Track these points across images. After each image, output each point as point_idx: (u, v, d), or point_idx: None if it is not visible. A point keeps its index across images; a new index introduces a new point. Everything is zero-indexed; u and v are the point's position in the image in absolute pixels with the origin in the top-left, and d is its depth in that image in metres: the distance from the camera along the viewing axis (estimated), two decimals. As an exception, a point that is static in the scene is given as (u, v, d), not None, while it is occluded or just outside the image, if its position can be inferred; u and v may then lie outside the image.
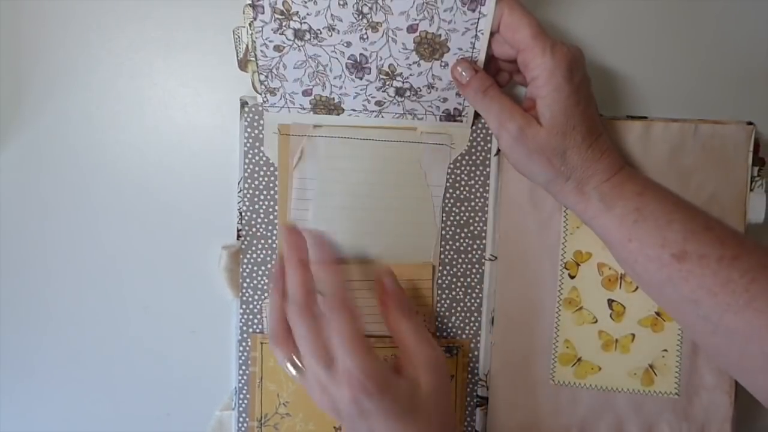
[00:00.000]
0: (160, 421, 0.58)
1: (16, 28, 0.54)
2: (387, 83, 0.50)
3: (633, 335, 0.55)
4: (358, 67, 0.49)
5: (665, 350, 0.55)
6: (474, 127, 0.55)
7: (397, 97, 0.52)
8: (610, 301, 0.55)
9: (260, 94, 0.53)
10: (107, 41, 0.54)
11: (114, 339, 0.57)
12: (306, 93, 0.52)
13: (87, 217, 0.56)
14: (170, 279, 0.57)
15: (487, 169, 0.56)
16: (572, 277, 0.55)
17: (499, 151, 0.55)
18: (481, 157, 0.56)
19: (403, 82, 0.50)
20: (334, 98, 0.52)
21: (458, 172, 0.56)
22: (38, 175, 0.56)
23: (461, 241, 0.57)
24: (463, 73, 0.48)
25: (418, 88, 0.51)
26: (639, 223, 0.44)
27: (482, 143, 0.55)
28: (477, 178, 0.56)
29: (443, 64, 0.49)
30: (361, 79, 0.50)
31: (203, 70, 0.55)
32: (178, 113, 0.56)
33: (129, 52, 0.55)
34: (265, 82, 0.51)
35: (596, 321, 0.56)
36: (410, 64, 0.49)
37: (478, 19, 0.46)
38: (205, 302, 0.57)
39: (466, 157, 0.56)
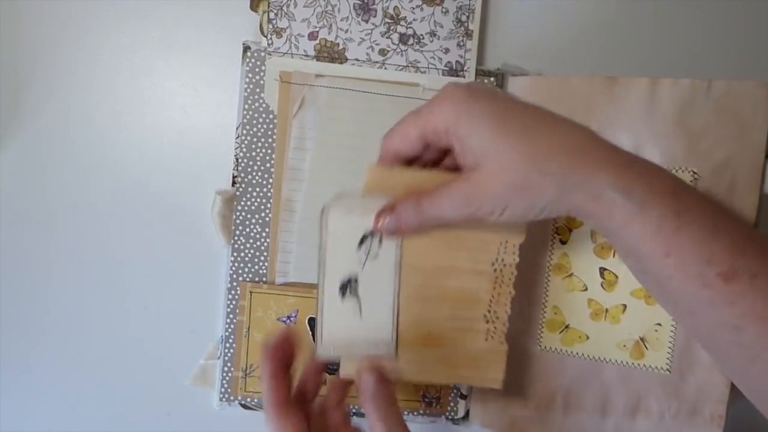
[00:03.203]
0: (160, 421, 0.55)
1: (15, 28, 0.51)
2: (391, 28, 0.47)
3: (624, 306, 0.51)
4: (365, 8, 0.46)
5: (659, 324, 0.51)
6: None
7: (400, 45, 0.49)
8: (602, 270, 0.51)
9: (266, 36, 0.50)
10: (107, 41, 0.52)
11: (114, 338, 0.54)
12: (312, 36, 0.49)
13: (87, 217, 0.53)
14: (170, 278, 0.54)
15: (487, 130, 0.52)
16: (563, 243, 0.51)
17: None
18: (481, 118, 0.52)
19: (406, 28, 0.47)
20: (338, 44, 0.49)
21: (458, 131, 0.52)
22: (38, 175, 0.53)
23: (457, 201, 0.52)
24: (389, 223, 0.38)
25: (421, 35, 0.48)
26: (681, 232, 0.32)
27: (483, 103, 0.52)
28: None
29: (444, 10, 0.46)
30: (366, 21, 0.47)
31: (203, 70, 0.53)
32: (177, 113, 0.53)
33: (129, 51, 0.52)
34: (274, 21, 0.48)
35: (586, 289, 0.51)
36: (413, 8, 0.46)
37: None
38: (205, 301, 0.54)
39: (467, 117, 0.52)
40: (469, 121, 0.34)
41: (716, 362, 0.38)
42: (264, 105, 0.51)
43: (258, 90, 0.51)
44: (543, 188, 0.33)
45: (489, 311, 0.41)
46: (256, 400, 0.54)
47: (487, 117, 0.34)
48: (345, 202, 0.39)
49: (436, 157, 0.40)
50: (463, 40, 0.49)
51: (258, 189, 0.52)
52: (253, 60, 0.51)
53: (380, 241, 0.39)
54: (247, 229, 0.52)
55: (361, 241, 0.39)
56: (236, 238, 0.52)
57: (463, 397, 0.54)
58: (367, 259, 0.39)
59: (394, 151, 0.39)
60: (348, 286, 0.40)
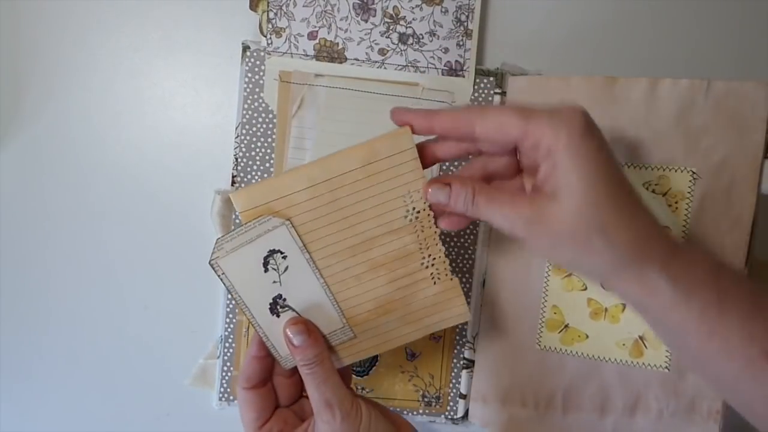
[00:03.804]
0: (160, 421, 0.55)
1: (15, 28, 0.51)
2: (391, 27, 0.47)
3: (624, 305, 0.51)
4: (364, 8, 0.46)
5: (657, 322, 0.50)
6: (476, 86, 0.51)
7: (400, 44, 0.48)
8: (602, 269, 0.51)
9: (266, 36, 0.49)
10: (107, 41, 0.51)
11: (114, 338, 0.54)
12: (311, 36, 0.48)
13: (87, 217, 0.53)
14: (170, 278, 0.53)
15: (486, 130, 0.51)
16: (564, 242, 0.51)
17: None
18: (480, 118, 0.51)
19: (406, 28, 0.47)
20: (338, 43, 0.48)
21: (457, 131, 0.51)
22: (38, 175, 0.52)
23: (456, 201, 0.52)
24: (438, 195, 0.37)
25: (421, 35, 0.48)
26: (724, 315, 0.33)
27: (483, 103, 0.51)
28: (475, 139, 0.52)
29: (443, 9, 0.45)
30: (366, 21, 0.47)
31: (203, 70, 0.52)
32: (177, 113, 0.52)
33: (128, 51, 0.52)
34: (273, 20, 0.48)
35: (585, 288, 0.51)
36: (413, 8, 0.46)
37: None
38: (205, 301, 0.53)
39: (466, 117, 0.51)
40: (577, 155, 0.32)
41: (754, 424, 0.38)
42: (263, 105, 0.51)
43: (257, 90, 0.51)
44: (601, 252, 0.33)
45: (424, 258, 0.40)
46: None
47: (593, 164, 0.32)
48: (226, 244, 0.38)
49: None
50: (462, 40, 0.49)
51: (258, 189, 0.52)
52: (252, 60, 0.50)
53: (283, 254, 0.38)
54: (247, 229, 0.52)
55: (265, 264, 0.38)
56: (236, 237, 0.52)
57: (463, 396, 0.53)
58: (279, 275, 0.39)
59: (466, 133, 0.35)
60: (277, 305, 0.39)
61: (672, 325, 0.35)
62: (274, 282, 0.39)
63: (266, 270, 0.38)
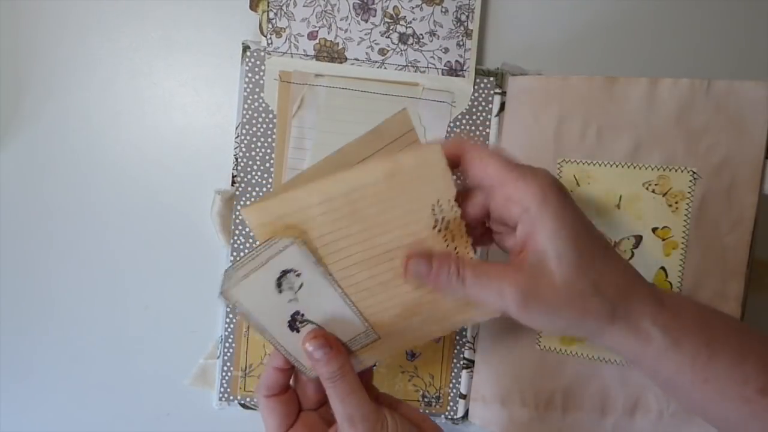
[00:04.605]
0: (160, 421, 0.55)
1: (15, 28, 0.51)
2: (391, 27, 0.47)
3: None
4: (364, 8, 0.46)
5: (656, 323, 0.50)
6: (476, 86, 0.51)
7: (400, 44, 0.48)
8: (603, 269, 0.50)
9: (266, 36, 0.49)
10: (107, 41, 0.51)
11: (114, 338, 0.54)
12: (311, 36, 0.48)
13: (87, 217, 0.53)
14: (171, 279, 0.53)
15: (487, 130, 0.51)
16: (564, 242, 0.51)
17: (500, 111, 0.51)
18: (481, 117, 0.51)
19: (406, 27, 0.47)
20: (338, 43, 0.48)
21: (458, 131, 0.51)
22: (38, 175, 0.52)
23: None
24: (419, 268, 0.36)
25: (421, 35, 0.47)
26: (714, 360, 0.34)
27: (483, 103, 0.51)
28: (477, 138, 0.52)
29: (443, 9, 0.45)
30: (366, 21, 0.47)
31: (203, 70, 0.52)
32: (177, 113, 0.52)
33: (129, 52, 0.52)
34: (273, 20, 0.48)
35: (587, 288, 0.50)
36: (413, 8, 0.46)
37: None
38: (205, 301, 0.53)
39: (467, 117, 0.51)
40: (557, 219, 0.33)
41: None
42: (263, 105, 0.51)
43: (257, 90, 0.50)
44: (597, 310, 0.34)
45: None
46: (255, 400, 0.53)
47: (572, 227, 0.33)
48: (235, 273, 0.36)
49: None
50: (462, 40, 0.49)
51: (257, 189, 0.51)
52: (252, 60, 0.50)
53: (296, 272, 0.36)
54: (247, 229, 0.51)
55: (279, 285, 0.36)
56: (236, 237, 0.52)
57: (463, 396, 0.53)
58: (295, 293, 0.37)
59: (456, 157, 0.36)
60: (296, 321, 0.38)
61: (668, 374, 0.35)
62: (291, 300, 0.37)
63: (281, 291, 0.37)
